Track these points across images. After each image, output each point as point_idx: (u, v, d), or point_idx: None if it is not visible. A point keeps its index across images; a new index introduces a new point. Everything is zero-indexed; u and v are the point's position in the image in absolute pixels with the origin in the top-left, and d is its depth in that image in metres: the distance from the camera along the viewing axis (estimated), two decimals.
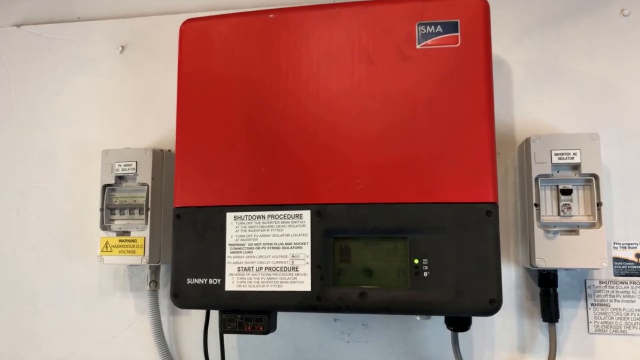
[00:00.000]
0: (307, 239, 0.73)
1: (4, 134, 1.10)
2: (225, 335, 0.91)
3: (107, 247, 0.92)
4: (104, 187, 0.93)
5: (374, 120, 0.73)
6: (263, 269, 0.74)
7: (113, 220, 0.93)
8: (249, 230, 0.75)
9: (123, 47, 1.07)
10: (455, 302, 0.68)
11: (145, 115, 1.04)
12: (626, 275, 0.87)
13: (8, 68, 1.12)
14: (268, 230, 0.74)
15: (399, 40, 0.73)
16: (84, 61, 1.09)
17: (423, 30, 0.73)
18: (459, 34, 0.72)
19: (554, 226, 0.81)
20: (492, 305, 0.68)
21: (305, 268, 0.72)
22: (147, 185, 0.92)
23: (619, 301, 0.86)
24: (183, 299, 0.75)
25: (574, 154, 0.81)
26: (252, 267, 0.74)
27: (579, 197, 0.81)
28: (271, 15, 0.78)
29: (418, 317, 0.85)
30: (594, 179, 0.80)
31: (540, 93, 0.93)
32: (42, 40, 1.11)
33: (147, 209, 0.91)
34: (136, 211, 0.92)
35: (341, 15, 0.76)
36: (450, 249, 0.69)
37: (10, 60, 1.12)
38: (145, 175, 0.92)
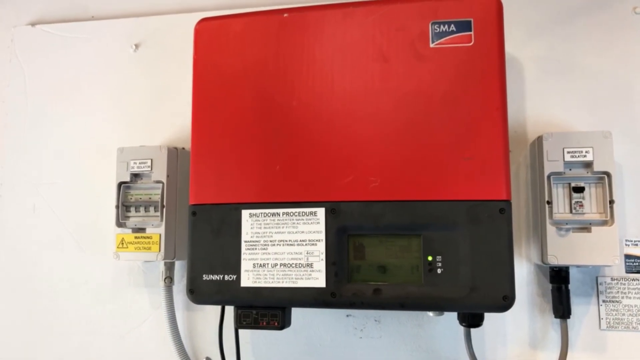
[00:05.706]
0: (322, 236, 0.74)
1: (19, 131, 1.11)
2: (239, 331, 0.92)
3: (122, 243, 0.93)
4: (120, 184, 0.94)
5: (388, 118, 0.74)
6: (278, 266, 0.75)
7: (128, 217, 0.95)
8: (264, 227, 0.75)
9: (137, 46, 1.08)
10: (468, 299, 0.69)
11: (159, 113, 1.05)
12: (638, 272, 0.87)
13: (23, 66, 1.13)
14: (283, 227, 0.75)
15: (413, 38, 0.74)
16: (98, 59, 1.10)
17: (437, 29, 0.73)
18: (472, 33, 0.73)
19: (566, 223, 0.81)
20: (505, 302, 0.68)
21: (320, 265, 0.73)
22: (162, 183, 0.93)
23: (630, 298, 0.87)
24: (199, 294, 0.76)
25: (586, 152, 0.81)
26: (268, 264, 0.75)
27: (591, 194, 0.82)
28: (286, 15, 0.78)
29: (430, 313, 0.87)
30: (606, 176, 0.81)
31: (552, 90, 0.93)
32: (56, 39, 1.12)
33: (163, 206, 0.92)
34: (151, 208, 0.93)
35: (355, 14, 0.76)
36: (463, 246, 0.70)
37: (25, 58, 1.13)
38: (160, 173, 0.93)
